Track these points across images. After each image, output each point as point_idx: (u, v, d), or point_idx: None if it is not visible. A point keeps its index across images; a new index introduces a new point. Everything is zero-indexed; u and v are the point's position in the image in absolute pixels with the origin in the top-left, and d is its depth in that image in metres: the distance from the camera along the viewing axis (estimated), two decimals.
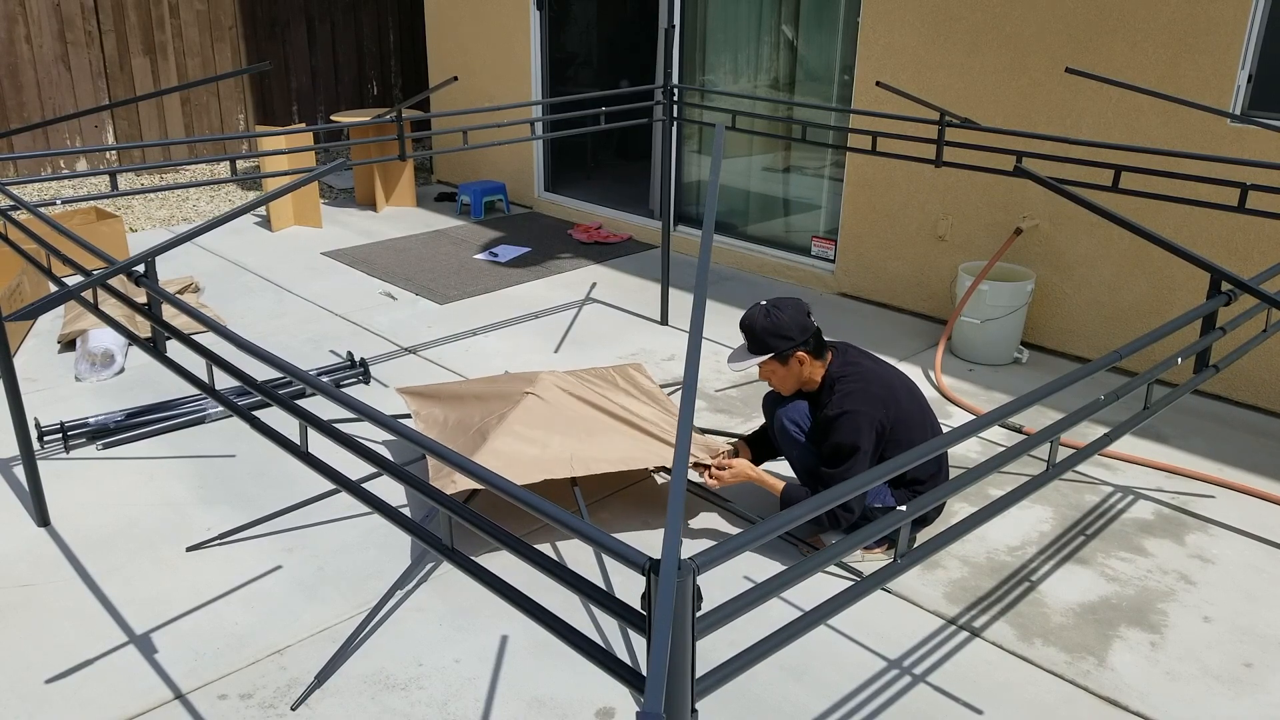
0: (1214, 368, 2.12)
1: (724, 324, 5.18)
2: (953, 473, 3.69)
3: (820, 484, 3.09)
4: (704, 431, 3.92)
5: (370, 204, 7.53)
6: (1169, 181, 4.25)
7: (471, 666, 2.68)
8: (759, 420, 4.08)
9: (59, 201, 3.30)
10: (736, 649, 2.73)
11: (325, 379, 4.30)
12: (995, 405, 4.30)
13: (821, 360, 3.15)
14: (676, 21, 6.16)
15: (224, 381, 4.19)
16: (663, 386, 4.30)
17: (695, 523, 3.36)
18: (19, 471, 3.61)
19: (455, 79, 3.89)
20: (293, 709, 2.51)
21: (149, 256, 2.16)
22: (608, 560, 3.15)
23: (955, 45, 4.85)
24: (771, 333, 3.07)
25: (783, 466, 3.55)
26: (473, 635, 2.79)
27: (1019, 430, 4.02)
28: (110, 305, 4.59)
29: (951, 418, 4.14)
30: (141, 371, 4.46)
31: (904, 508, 1.43)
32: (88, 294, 3.36)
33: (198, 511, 3.38)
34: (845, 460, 3.02)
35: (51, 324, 5.02)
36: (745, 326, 3.12)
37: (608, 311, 5.36)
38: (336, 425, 2.27)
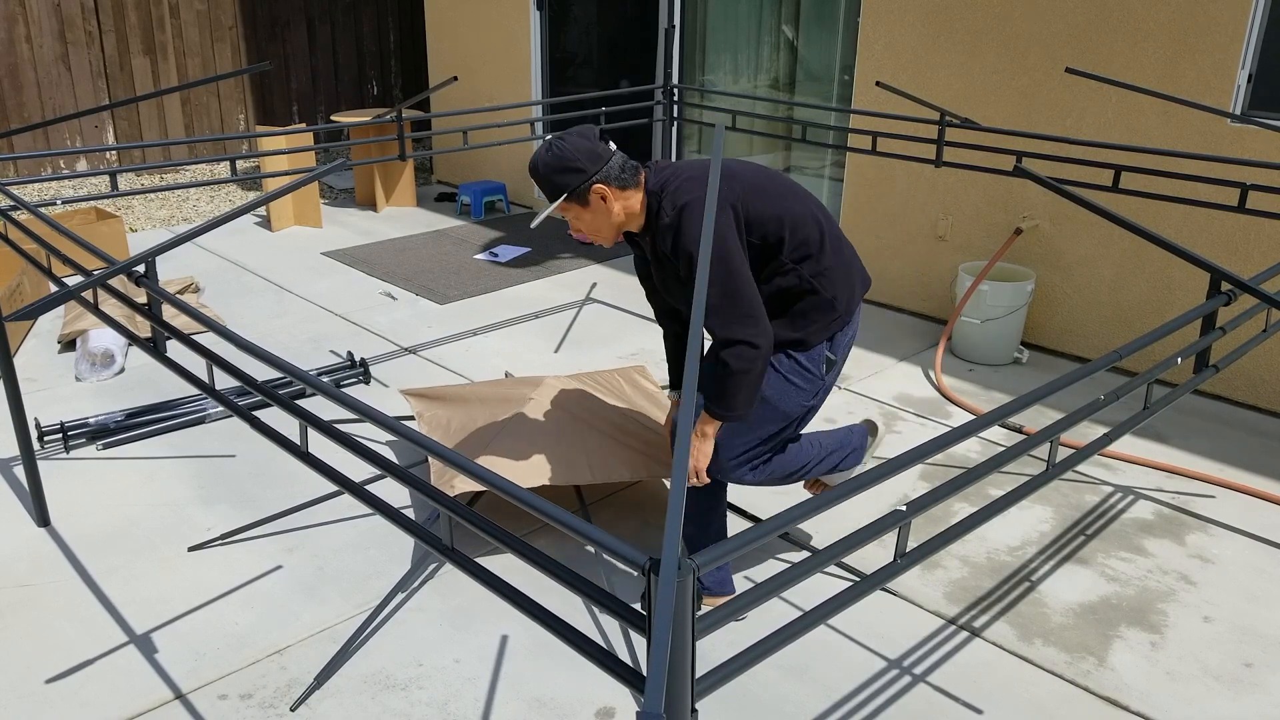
0: (1214, 368, 2.12)
1: None
2: (953, 473, 3.69)
3: (713, 314, 2.45)
4: None
5: (370, 204, 7.53)
6: (1169, 181, 4.25)
7: (471, 666, 2.68)
8: None
9: (59, 201, 3.30)
10: (736, 649, 2.73)
11: (325, 379, 4.30)
12: (995, 405, 4.30)
13: (634, 187, 2.57)
14: (676, 21, 6.16)
15: (224, 381, 4.19)
16: (663, 387, 4.29)
17: None
18: (19, 471, 3.61)
19: (455, 79, 3.89)
20: (292, 709, 2.51)
21: (149, 256, 2.16)
22: (607, 560, 3.15)
23: (955, 45, 4.85)
24: (557, 169, 2.52)
25: None
26: (473, 635, 2.79)
27: (1019, 430, 4.02)
28: (110, 305, 4.59)
29: (951, 418, 4.14)
30: (141, 371, 4.46)
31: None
32: (88, 294, 3.37)
33: (198, 511, 3.38)
34: (716, 261, 2.45)
35: (51, 324, 5.02)
36: (532, 172, 2.57)
37: (608, 311, 5.36)
38: (337, 425, 2.27)
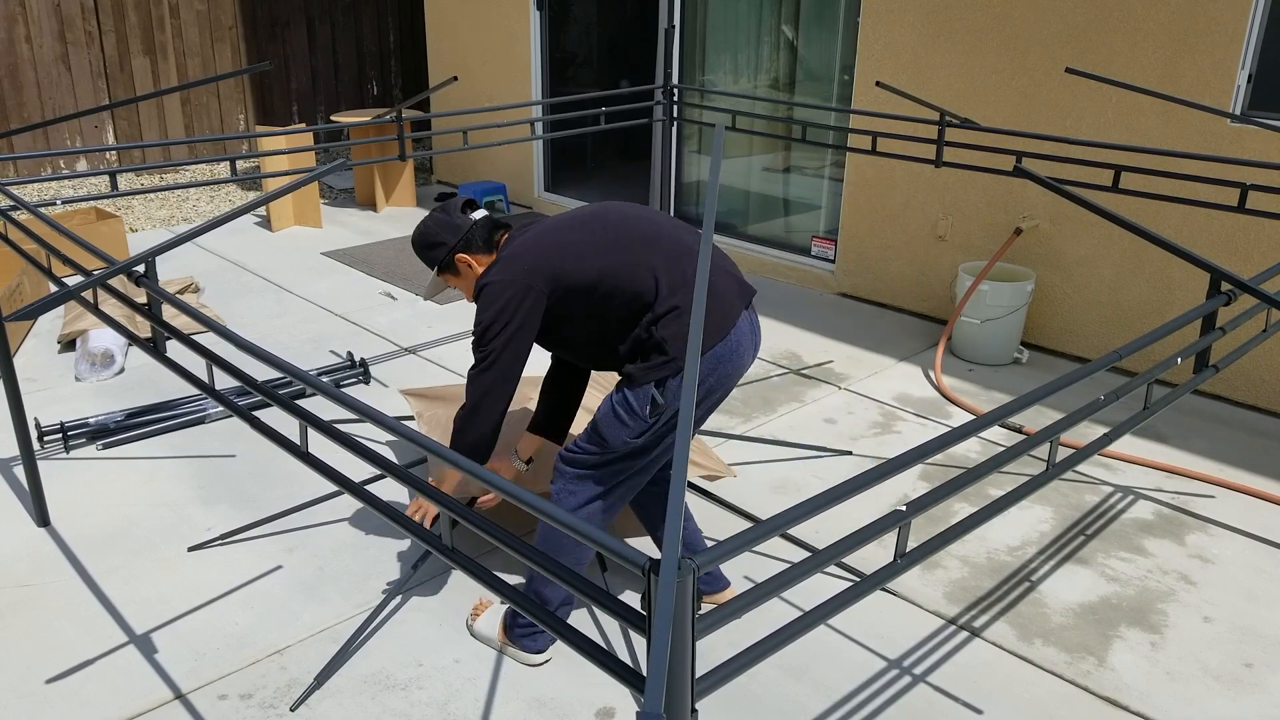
0: (1214, 368, 2.12)
1: None
2: (953, 473, 3.69)
3: (469, 382, 2.54)
4: (703, 433, 3.92)
5: (370, 204, 7.53)
6: (1169, 181, 4.25)
7: (471, 666, 2.68)
8: (759, 420, 4.08)
9: (59, 201, 3.30)
10: (736, 649, 2.73)
11: (325, 379, 4.30)
12: (995, 405, 4.30)
13: (497, 250, 2.65)
14: (676, 21, 6.16)
15: (224, 381, 4.19)
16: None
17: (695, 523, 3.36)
18: (19, 471, 3.61)
19: (455, 79, 3.89)
20: (292, 709, 2.51)
21: (149, 256, 2.16)
22: (607, 560, 3.15)
23: (955, 45, 4.85)
24: (425, 245, 2.67)
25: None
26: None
27: (1019, 430, 4.02)
28: (110, 305, 4.59)
29: (951, 418, 4.14)
30: (141, 371, 4.46)
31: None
32: (88, 294, 3.37)
33: (198, 511, 3.38)
34: (479, 340, 2.50)
35: (51, 324, 5.02)
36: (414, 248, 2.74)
37: None
38: (337, 425, 2.27)
